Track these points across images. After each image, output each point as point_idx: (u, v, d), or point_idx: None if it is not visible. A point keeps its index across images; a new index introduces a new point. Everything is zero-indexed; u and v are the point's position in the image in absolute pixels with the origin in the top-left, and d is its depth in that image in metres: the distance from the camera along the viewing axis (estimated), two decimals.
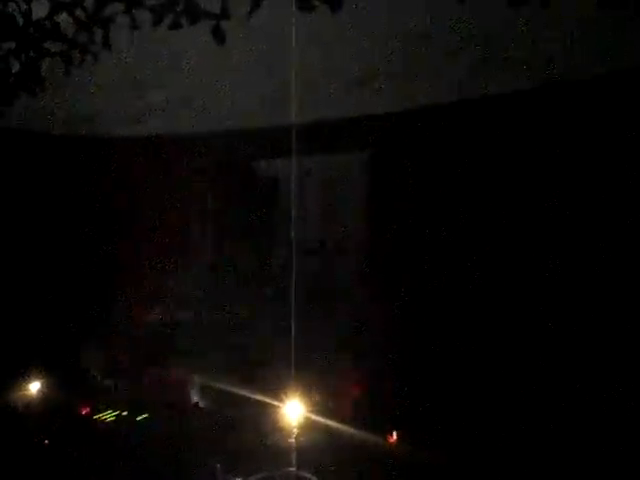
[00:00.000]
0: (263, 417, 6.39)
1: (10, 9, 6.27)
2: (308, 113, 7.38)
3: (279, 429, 6.08)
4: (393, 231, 7.52)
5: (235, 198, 7.97)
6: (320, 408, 6.40)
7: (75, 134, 8.18)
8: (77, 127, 8.28)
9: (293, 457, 5.73)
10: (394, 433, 6.20)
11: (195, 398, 7.15)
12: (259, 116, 7.97)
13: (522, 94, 6.91)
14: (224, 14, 5.30)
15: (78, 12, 5.79)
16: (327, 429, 6.27)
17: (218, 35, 5.53)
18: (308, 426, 6.06)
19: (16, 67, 7.31)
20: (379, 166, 7.81)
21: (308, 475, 5.69)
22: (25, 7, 6.10)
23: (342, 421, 6.30)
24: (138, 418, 6.89)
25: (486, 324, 6.93)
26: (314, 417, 6.22)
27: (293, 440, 5.77)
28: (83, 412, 7.07)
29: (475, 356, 6.83)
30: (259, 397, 6.51)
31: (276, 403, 6.29)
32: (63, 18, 6.01)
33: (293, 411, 5.98)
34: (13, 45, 7.22)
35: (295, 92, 6.78)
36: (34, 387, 7.17)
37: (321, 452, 6.09)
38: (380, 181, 7.74)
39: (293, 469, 5.66)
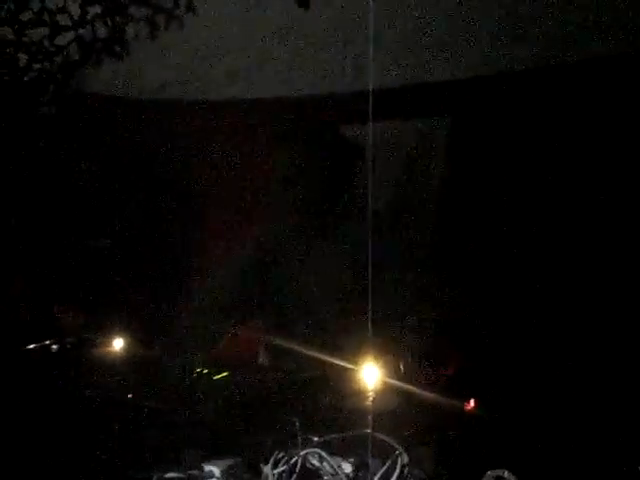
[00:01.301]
0: (340, 379, 6.47)
1: None
2: (388, 78, 7.30)
3: (355, 392, 6.14)
4: (476, 204, 7.36)
5: (312, 164, 7.97)
6: (397, 372, 6.44)
7: (158, 99, 8.33)
8: (159, 92, 8.44)
9: (369, 419, 5.77)
10: (472, 400, 6.17)
11: (273, 358, 7.30)
12: (338, 81, 7.93)
13: (614, 60, 6.62)
14: None
15: None
16: (403, 393, 6.31)
17: None
18: (384, 390, 6.09)
19: (102, 32, 7.50)
20: (461, 134, 7.66)
21: (383, 436, 5.71)
22: None
23: (419, 386, 6.33)
24: (218, 376, 7.05)
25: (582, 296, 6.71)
26: (391, 381, 6.25)
27: (369, 403, 5.81)
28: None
29: (562, 326, 6.70)
30: (336, 360, 6.58)
31: (352, 366, 6.34)
32: None
33: (370, 374, 6.01)
34: (99, 10, 7.40)
35: (373, 56, 6.67)
36: (118, 344, 7.32)
37: (397, 416, 6.14)
38: (462, 149, 7.60)
39: (369, 430, 5.71)
